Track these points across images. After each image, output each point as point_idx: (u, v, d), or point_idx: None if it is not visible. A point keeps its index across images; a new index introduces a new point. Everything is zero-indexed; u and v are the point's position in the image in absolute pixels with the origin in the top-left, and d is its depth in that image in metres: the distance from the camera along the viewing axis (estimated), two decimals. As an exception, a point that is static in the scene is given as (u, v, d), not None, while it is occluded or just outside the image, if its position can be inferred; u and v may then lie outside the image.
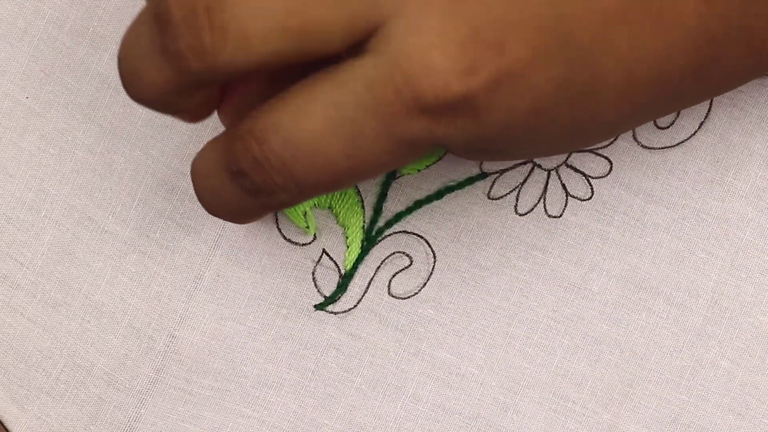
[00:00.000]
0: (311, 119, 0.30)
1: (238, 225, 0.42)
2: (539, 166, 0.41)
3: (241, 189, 0.32)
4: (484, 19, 0.30)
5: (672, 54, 0.33)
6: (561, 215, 0.41)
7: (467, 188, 0.41)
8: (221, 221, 0.42)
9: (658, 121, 0.41)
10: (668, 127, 0.41)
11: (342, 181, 0.32)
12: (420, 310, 0.42)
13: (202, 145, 0.36)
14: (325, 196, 0.41)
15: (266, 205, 0.33)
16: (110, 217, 0.43)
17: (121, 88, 0.42)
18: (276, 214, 0.42)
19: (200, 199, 0.34)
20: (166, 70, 0.30)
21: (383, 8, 0.30)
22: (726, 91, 0.37)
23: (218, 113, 0.35)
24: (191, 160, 0.40)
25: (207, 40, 0.29)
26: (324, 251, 0.42)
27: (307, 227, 0.41)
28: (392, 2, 0.30)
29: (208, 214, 0.38)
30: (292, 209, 0.41)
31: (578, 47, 0.31)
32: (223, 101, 0.35)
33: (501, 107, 0.31)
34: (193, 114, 0.35)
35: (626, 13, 0.32)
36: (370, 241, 0.42)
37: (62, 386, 0.42)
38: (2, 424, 0.42)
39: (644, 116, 0.35)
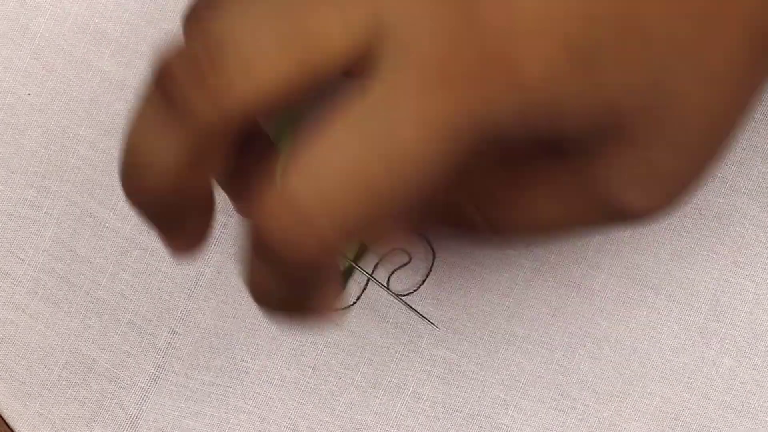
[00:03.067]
0: (322, 173, 0.26)
1: (237, 221, 0.42)
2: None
3: (276, 273, 0.28)
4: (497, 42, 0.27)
5: None
6: (562, 212, 0.41)
7: (467, 185, 0.41)
8: (219, 219, 0.42)
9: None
10: (670, 123, 0.41)
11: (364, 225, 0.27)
12: (419, 308, 0.42)
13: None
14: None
15: (305, 289, 0.28)
16: (111, 214, 0.43)
17: (123, 85, 0.42)
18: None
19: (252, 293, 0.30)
20: (176, 136, 0.27)
21: (383, 13, 0.27)
22: None
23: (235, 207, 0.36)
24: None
25: (211, 80, 0.27)
26: (322, 248, 0.42)
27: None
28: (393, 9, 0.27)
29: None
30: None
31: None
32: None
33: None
34: (192, 232, 0.31)
35: None
36: (368, 237, 0.41)
37: (64, 383, 0.43)
38: (4, 421, 0.43)
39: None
